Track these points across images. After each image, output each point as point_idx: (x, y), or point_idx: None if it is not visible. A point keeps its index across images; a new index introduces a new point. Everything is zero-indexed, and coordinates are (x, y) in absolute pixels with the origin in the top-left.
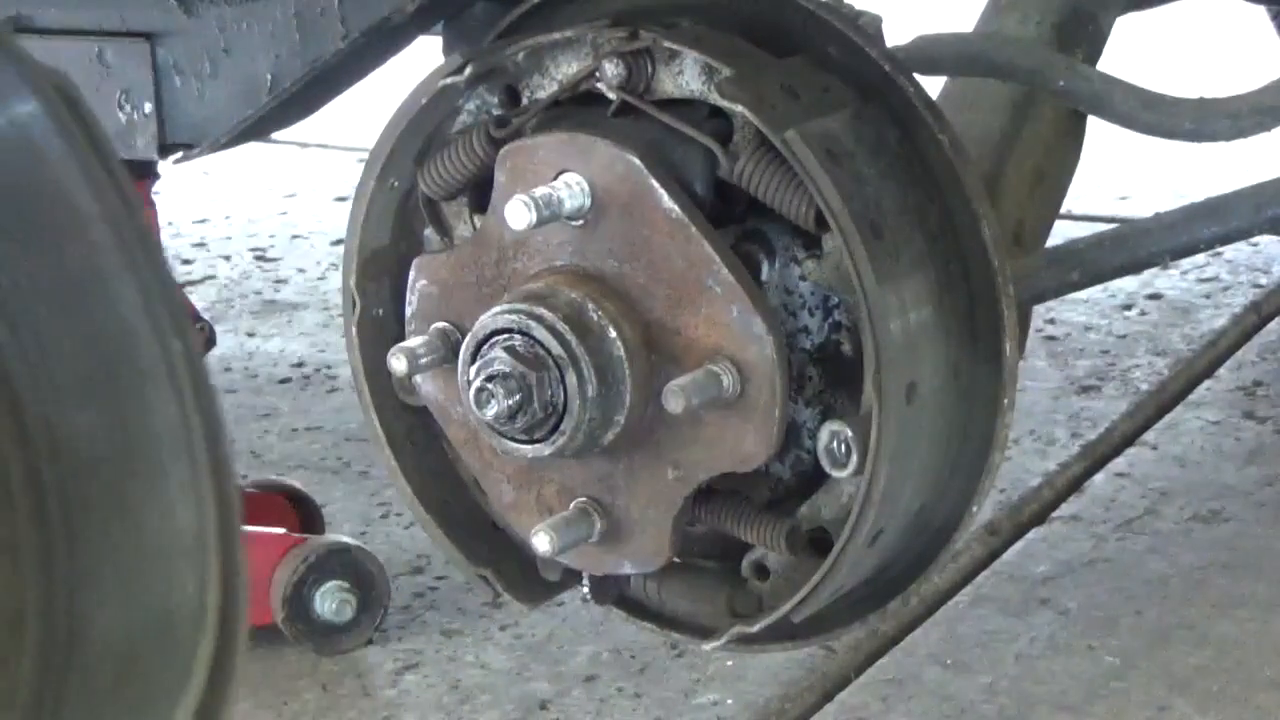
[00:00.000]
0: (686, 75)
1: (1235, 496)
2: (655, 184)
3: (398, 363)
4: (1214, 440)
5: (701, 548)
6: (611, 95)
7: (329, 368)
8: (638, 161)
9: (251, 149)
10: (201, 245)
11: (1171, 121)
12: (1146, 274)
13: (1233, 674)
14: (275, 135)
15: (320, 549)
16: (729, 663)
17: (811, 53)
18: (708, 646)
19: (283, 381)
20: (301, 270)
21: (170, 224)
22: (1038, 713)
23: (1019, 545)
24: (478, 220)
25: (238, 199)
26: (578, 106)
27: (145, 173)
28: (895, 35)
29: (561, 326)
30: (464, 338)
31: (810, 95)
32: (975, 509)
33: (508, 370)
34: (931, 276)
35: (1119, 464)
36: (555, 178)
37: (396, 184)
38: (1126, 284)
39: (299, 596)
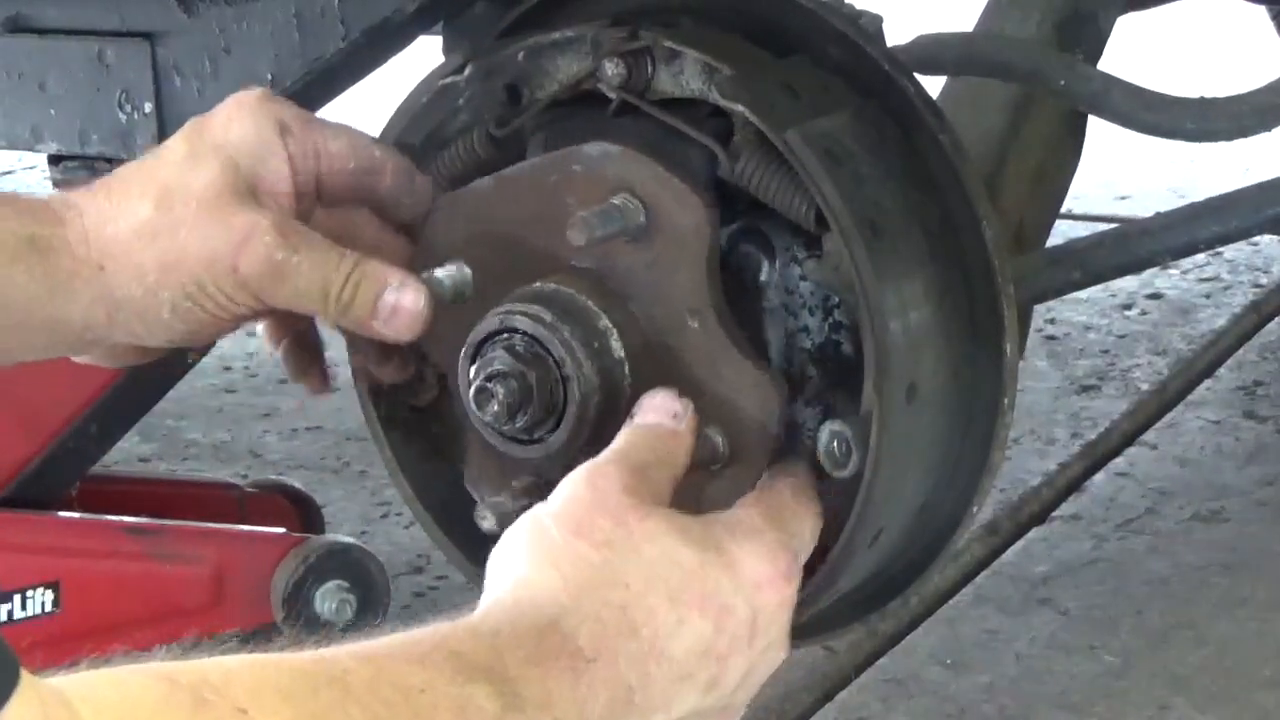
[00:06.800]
0: (686, 75)
1: (1235, 496)
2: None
3: None
4: (1214, 440)
5: None
6: (611, 95)
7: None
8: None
9: None
10: None
11: (1171, 121)
12: (1146, 274)
13: (1233, 674)
14: None
15: (320, 549)
16: None
17: (811, 53)
18: None
19: (283, 381)
20: None
21: None
22: (1038, 713)
23: (1019, 545)
24: None
25: None
26: (578, 106)
27: None
28: (895, 35)
29: (562, 327)
30: None
31: (810, 95)
32: (975, 509)
33: (507, 370)
34: (931, 276)
35: (1119, 464)
36: (612, 195)
37: None
38: (1126, 284)
39: (299, 596)
